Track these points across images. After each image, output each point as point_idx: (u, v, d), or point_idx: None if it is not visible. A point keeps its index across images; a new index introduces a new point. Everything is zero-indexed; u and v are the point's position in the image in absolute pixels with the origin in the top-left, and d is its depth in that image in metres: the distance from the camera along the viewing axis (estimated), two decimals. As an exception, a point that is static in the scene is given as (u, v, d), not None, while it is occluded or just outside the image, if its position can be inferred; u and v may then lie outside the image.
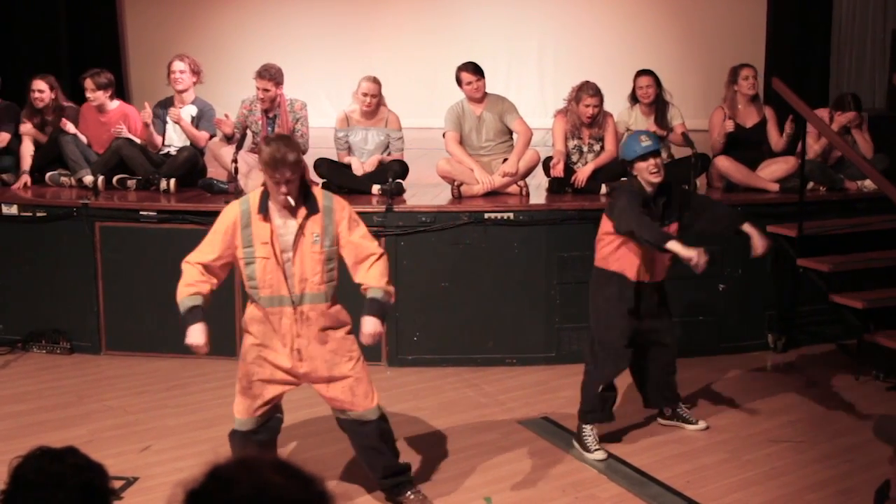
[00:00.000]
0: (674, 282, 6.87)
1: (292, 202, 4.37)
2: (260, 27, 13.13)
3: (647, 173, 5.25)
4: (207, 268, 4.48)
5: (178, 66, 7.62)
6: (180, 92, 7.65)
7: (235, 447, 4.65)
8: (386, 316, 4.51)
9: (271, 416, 4.67)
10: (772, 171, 7.39)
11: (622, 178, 6.68)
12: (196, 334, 4.43)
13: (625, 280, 5.35)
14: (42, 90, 7.76)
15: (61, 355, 7.07)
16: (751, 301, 7.13)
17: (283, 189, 4.31)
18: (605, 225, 5.40)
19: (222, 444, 4.86)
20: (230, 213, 4.49)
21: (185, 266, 4.51)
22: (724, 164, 7.36)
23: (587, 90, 7.03)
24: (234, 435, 4.66)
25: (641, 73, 7.48)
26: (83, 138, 7.69)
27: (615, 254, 5.35)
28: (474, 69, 7.21)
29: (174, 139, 7.68)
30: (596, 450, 5.42)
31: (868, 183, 7.24)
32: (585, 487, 5.02)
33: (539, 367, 6.79)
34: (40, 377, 6.68)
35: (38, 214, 7.14)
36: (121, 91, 10.62)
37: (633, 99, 7.48)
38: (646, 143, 5.28)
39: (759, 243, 5.33)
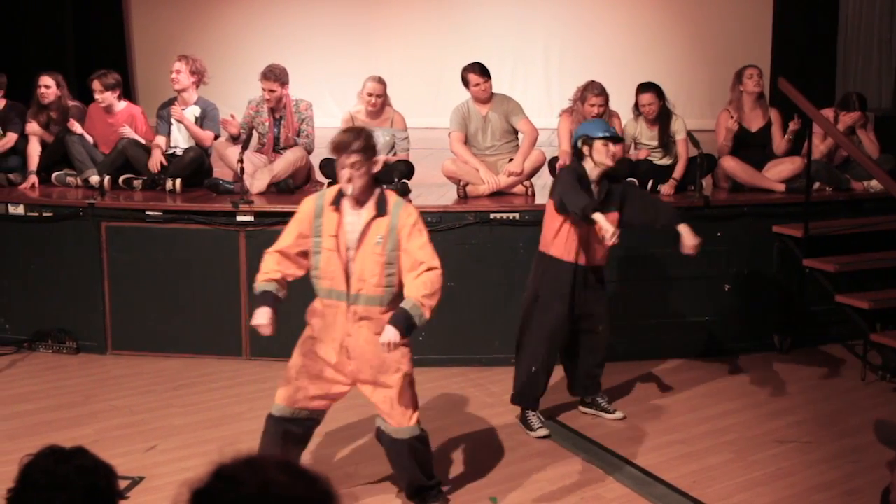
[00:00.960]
0: (679, 282, 6.91)
1: (351, 189, 4.39)
2: (266, 27, 13.15)
3: (604, 154, 5.46)
4: (284, 255, 4.58)
5: (176, 66, 7.61)
6: (179, 92, 7.65)
7: (267, 430, 4.67)
8: (411, 328, 4.35)
9: (308, 415, 4.67)
10: (778, 172, 7.38)
11: (629, 179, 6.70)
12: (260, 315, 4.45)
13: (563, 264, 5.57)
14: (48, 85, 7.77)
15: (67, 355, 7.08)
16: (757, 301, 7.12)
17: (346, 174, 4.36)
18: (549, 208, 5.63)
19: (229, 444, 4.86)
20: (308, 203, 4.61)
21: (264, 255, 4.64)
22: (730, 164, 7.35)
23: (592, 90, 7.01)
24: (269, 419, 4.68)
25: (643, 89, 7.26)
26: (89, 138, 7.70)
27: (556, 239, 5.57)
28: (481, 70, 7.19)
29: (179, 140, 7.67)
30: (538, 427, 5.67)
31: (874, 183, 7.23)
32: (591, 488, 5.02)
33: (544, 367, 6.78)
34: (46, 377, 6.69)
35: (45, 214, 7.16)
36: (127, 91, 10.63)
37: (637, 111, 7.39)
38: (613, 128, 5.65)
39: (689, 242, 5.44)
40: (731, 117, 7.36)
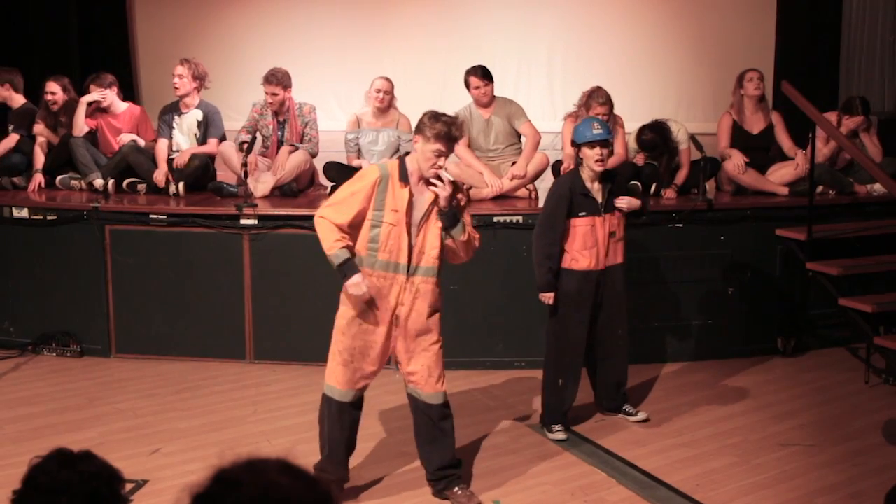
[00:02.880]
0: (683, 285, 6.90)
1: (449, 176, 4.62)
2: (269, 31, 13.16)
3: (592, 160, 5.51)
4: (341, 228, 4.62)
5: (178, 70, 7.60)
6: (181, 97, 7.65)
7: (332, 413, 4.80)
8: (455, 221, 4.66)
9: (364, 387, 4.85)
10: (781, 175, 7.38)
11: (632, 182, 6.71)
12: (360, 283, 4.58)
13: (574, 273, 5.58)
14: (55, 91, 7.81)
15: (71, 358, 7.09)
16: (760, 304, 7.12)
17: (441, 162, 4.56)
18: None
19: (232, 447, 4.87)
20: (370, 175, 4.65)
21: (323, 222, 4.62)
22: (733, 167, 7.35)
23: (597, 97, 6.98)
24: (333, 404, 4.80)
25: (649, 147, 7.17)
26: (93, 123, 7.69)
27: (567, 254, 5.59)
28: (483, 74, 7.21)
29: (182, 144, 7.66)
30: (557, 431, 5.69)
31: (877, 186, 7.23)
32: (594, 491, 5.02)
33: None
34: (50, 380, 6.70)
35: (49, 217, 7.16)
36: (131, 94, 10.64)
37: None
38: (597, 130, 5.53)
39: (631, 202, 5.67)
40: (739, 164, 7.27)
